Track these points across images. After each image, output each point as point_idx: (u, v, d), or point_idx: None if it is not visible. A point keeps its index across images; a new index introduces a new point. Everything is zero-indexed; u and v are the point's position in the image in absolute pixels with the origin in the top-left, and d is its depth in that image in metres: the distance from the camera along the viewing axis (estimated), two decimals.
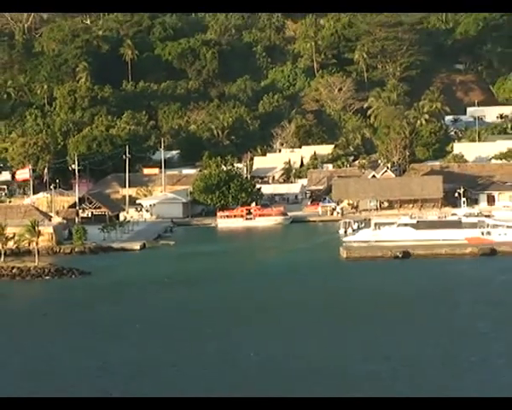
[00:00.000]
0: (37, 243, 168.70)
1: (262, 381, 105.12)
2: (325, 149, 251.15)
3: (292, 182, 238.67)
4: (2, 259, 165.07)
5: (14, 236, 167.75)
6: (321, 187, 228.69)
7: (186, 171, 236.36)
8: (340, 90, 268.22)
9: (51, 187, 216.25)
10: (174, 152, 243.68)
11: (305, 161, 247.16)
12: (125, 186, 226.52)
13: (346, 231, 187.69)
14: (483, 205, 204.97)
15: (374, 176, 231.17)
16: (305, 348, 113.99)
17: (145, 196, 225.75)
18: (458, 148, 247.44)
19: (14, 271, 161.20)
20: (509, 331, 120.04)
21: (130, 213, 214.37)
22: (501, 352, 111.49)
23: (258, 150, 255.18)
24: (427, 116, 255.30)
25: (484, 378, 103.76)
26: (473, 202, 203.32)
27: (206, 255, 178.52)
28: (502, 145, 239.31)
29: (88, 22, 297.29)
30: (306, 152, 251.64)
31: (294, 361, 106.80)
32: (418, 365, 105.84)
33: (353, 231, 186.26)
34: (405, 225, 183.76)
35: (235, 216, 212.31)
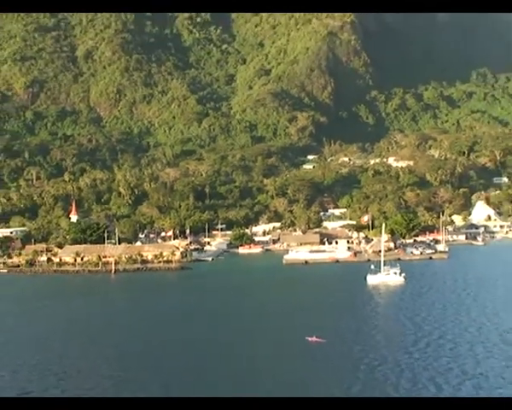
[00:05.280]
0: (174, 257, 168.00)
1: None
2: (277, 225, 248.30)
3: (265, 235, 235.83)
4: (162, 263, 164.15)
5: (162, 254, 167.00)
6: (276, 238, 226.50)
7: (228, 232, 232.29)
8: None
9: (179, 238, 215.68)
10: (224, 226, 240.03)
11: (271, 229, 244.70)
12: (205, 237, 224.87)
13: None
14: (335, 244, 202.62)
15: (295, 233, 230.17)
16: (257, 295, 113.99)
17: (213, 240, 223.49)
18: (325, 224, 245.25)
19: (165, 267, 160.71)
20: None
21: (207, 247, 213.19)
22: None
23: (254, 225, 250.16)
24: (314, 215, 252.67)
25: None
26: (331, 243, 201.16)
27: (234, 263, 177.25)
28: (340, 224, 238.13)
29: None
30: (271, 226, 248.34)
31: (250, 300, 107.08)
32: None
33: (296, 253, 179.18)
34: (307, 250, 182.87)
35: (245, 248, 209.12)
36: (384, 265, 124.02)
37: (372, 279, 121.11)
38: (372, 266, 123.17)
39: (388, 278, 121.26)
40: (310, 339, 71.61)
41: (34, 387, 58.84)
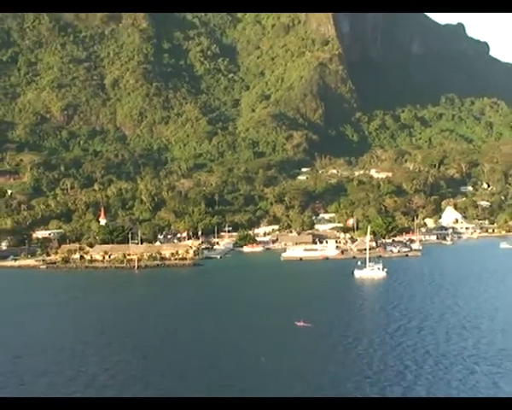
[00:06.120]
0: (188, 255, 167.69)
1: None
2: (276, 227, 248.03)
3: (266, 236, 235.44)
4: (177, 261, 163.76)
5: (178, 253, 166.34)
6: (275, 238, 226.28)
7: (234, 234, 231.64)
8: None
9: (192, 239, 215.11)
10: (230, 228, 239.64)
11: (271, 231, 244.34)
12: (215, 238, 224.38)
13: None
14: (325, 243, 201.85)
15: (291, 234, 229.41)
16: (257, 284, 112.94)
17: (221, 240, 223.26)
18: (317, 226, 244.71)
19: (180, 263, 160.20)
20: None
21: (216, 246, 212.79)
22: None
23: (256, 227, 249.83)
24: (307, 219, 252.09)
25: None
26: (322, 242, 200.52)
27: (239, 259, 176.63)
28: (329, 226, 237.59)
29: None
30: (271, 228, 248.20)
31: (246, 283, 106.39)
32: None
33: (292, 251, 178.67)
34: (302, 249, 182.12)
35: (249, 247, 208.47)
36: (369, 261, 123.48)
37: (359, 273, 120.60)
38: (359, 262, 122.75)
39: (373, 273, 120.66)
40: (298, 323, 71.16)
41: (60, 368, 58.45)
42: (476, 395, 45.93)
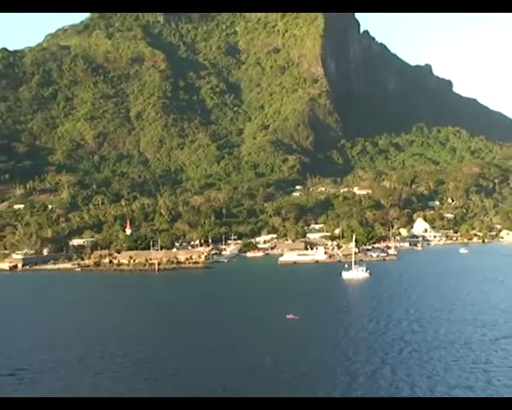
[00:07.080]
0: (200, 259, 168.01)
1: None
2: (274, 236, 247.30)
3: (266, 243, 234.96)
4: (191, 264, 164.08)
5: (192, 257, 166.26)
6: (273, 245, 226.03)
7: (239, 241, 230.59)
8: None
9: (203, 246, 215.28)
10: (236, 237, 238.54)
11: (270, 239, 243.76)
12: (223, 245, 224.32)
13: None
14: (316, 249, 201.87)
15: (287, 242, 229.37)
16: (255, 284, 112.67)
17: (228, 247, 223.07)
18: (308, 235, 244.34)
19: (193, 266, 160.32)
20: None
21: (224, 252, 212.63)
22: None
23: (257, 236, 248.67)
24: (300, 229, 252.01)
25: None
26: (312, 248, 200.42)
27: (243, 262, 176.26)
28: (319, 235, 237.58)
29: None
30: (270, 236, 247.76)
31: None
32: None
33: (288, 256, 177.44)
34: (296, 254, 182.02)
35: (251, 252, 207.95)
36: (354, 264, 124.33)
37: (346, 275, 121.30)
38: (346, 265, 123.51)
39: (358, 274, 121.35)
40: (288, 316, 71.82)
41: (89, 352, 59.13)
42: (433, 376, 45.72)
